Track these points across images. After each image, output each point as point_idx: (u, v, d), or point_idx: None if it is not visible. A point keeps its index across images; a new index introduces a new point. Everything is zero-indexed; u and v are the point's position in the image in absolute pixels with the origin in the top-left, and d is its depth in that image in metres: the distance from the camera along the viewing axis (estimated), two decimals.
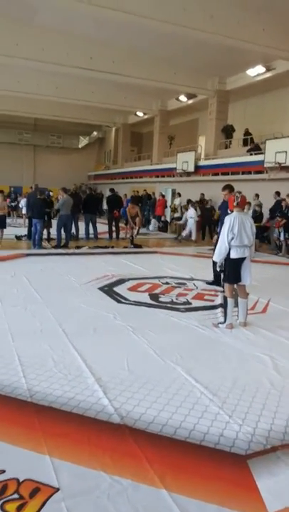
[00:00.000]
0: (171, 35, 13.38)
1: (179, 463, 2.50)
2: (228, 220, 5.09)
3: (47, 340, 4.34)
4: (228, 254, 5.09)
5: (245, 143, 18.40)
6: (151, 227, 18.23)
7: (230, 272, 5.18)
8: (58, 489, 2.22)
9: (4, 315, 5.15)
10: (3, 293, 6.20)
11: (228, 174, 17.51)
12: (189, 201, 16.48)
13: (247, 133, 18.78)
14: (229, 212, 5.43)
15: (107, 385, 3.41)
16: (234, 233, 5.02)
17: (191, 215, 14.62)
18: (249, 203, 13.10)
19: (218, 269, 5.38)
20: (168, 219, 18.99)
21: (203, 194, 17.32)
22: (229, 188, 6.31)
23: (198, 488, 2.29)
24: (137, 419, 2.93)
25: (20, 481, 2.26)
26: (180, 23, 11.81)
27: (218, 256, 5.18)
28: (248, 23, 12.45)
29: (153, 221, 18.49)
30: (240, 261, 5.13)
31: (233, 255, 5.08)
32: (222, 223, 6.15)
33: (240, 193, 5.43)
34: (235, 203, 5.21)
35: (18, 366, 3.69)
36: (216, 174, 18.17)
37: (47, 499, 2.15)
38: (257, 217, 12.69)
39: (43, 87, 19.55)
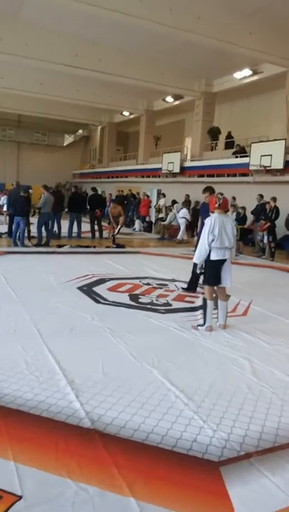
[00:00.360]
0: (159, 35, 13.35)
1: (150, 470, 2.42)
2: (208, 222, 5.04)
3: (20, 341, 4.21)
4: (208, 256, 5.04)
5: (227, 146, 18.50)
6: (136, 227, 18.14)
7: (210, 274, 5.12)
8: (20, 497, 2.12)
9: None
10: None
11: (214, 176, 17.55)
12: (174, 202, 16.46)
13: (229, 136, 18.88)
14: (210, 213, 5.37)
15: (80, 388, 3.31)
16: (215, 235, 4.96)
17: (184, 214, 14.58)
18: (233, 206, 13.19)
19: (198, 271, 5.31)
20: (152, 219, 18.94)
21: (188, 195, 17.31)
22: (210, 190, 6.28)
23: (168, 497, 2.21)
24: (109, 424, 2.84)
25: None
26: (167, 24, 11.77)
27: (198, 258, 5.12)
28: (235, 26, 12.48)
29: (137, 221, 18.41)
30: (221, 263, 5.08)
31: (214, 257, 5.03)
32: (202, 225, 6.11)
33: (222, 194, 5.38)
34: (216, 205, 5.16)
35: None
36: (202, 176, 18.19)
37: (8, 508, 2.04)
38: (240, 219, 12.78)
39: (27, 84, 19.32)
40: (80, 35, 14.48)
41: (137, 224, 18.20)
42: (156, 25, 11.87)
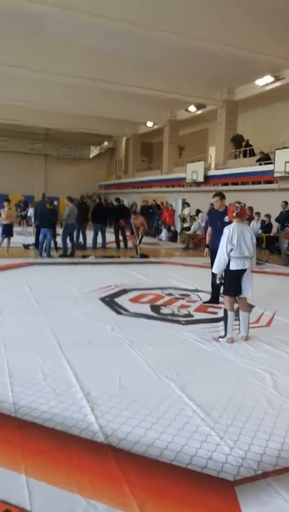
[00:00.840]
0: (179, 45, 13.39)
1: (162, 488, 2.36)
2: (226, 231, 4.96)
3: (40, 352, 4.24)
4: (228, 265, 4.95)
5: (246, 154, 18.34)
6: (162, 236, 18.15)
7: (230, 284, 5.03)
8: None
9: (0, 324, 5.07)
10: (3, 301, 6.16)
11: (238, 184, 17.39)
12: (198, 211, 16.40)
13: (247, 144, 18.70)
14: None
15: (96, 401, 3.29)
16: (233, 244, 4.88)
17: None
18: (258, 214, 13.01)
19: (217, 282, 5.22)
20: (178, 229, 18.90)
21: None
22: (220, 195, 6.25)
23: None
24: (122, 439, 2.80)
25: None
26: (186, 34, 11.82)
27: (217, 268, 5.04)
28: (255, 33, 12.40)
29: (164, 231, 18.41)
30: (241, 273, 4.99)
31: (233, 267, 4.94)
32: (215, 233, 6.05)
33: (239, 203, 5.27)
34: (234, 214, 5.07)
35: (7, 378, 3.60)
36: (226, 184, 18.04)
37: None
38: (265, 227, 12.57)
39: (53, 98, 19.73)
40: (101, 48, 14.69)
41: (164, 233, 18.21)
42: (175, 36, 11.92)
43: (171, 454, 2.66)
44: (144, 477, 2.43)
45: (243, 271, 4.97)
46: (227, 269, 4.96)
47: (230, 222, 5.13)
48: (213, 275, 5.58)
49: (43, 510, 2.13)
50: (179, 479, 2.45)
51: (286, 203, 12.48)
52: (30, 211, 18.04)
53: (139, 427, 2.96)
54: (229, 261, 4.90)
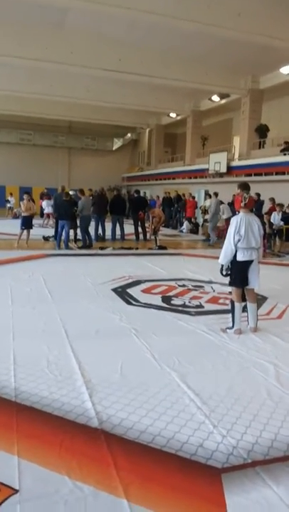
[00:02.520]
0: (200, 34, 13.19)
1: (149, 472, 2.40)
2: (234, 222, 4.91)
3: (46, 341, 4.34)
4: (235, 256, 4.91)
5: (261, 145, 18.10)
6: (183, 228, 18.08)
7: (236, 275, 4.99)
8: (17, 491, 2.19)
9: (11, 314, 5.21)
10: (17, 292, 6.30)
11: (262, 175, 17.11)
12: (221, 202, 16.22)
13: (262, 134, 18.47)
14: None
15: (95, 388, 3.35)
16: (241, 235, 4.83)
17: (229, 215, 14.29)
18: (280, 205, 12.77)
19: (223, 273, 5.18)
20: (200, 221, 18.78)
21: (234, 195, 16.96)
22: (242, 187, 6.08)
23: (161, 501, 2.19)
24: (116, 425, 2.85)
25: None
26: (207, 22, 11.64)
27: (224, 258, 4.99)
28: (278, 19, 12.12)
29: (185, 223, 18.32)
30: (248, 264, 4.93)
31: (240, 258, 4.89)
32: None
33: (247, 193, 5.21)
34: (242, 204, 5.01)
35: (12, 365, 3.70)
36: (249, 175, 17.78)
37: (3, 501, 2.11)
38: (286, 218, 12.34)
39: (75, 91, 19.86)
40: (122, 39, 14.68)
41: (185, 225, 18.12)
42: (196, 25, 11.78)
43: (163, 441, 2.70)
44: (132, 461, 2.48)
45: (249, 262, 4.92)
46: (234, 260, 4.92)
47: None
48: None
49: (30, 490, 2.21)
50: (167, 464, 2.49)
51: None
52: (44, 203, 18.31)
53: (134, 413, 3.01)
54: (236, 252, 4.87)
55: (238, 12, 11.61)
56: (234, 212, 6.54)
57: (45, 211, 18.30)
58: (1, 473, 2.32)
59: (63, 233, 10.99)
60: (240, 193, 6.06)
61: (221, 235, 15.26)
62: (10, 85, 19.27)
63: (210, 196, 18.46)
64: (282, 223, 12.26)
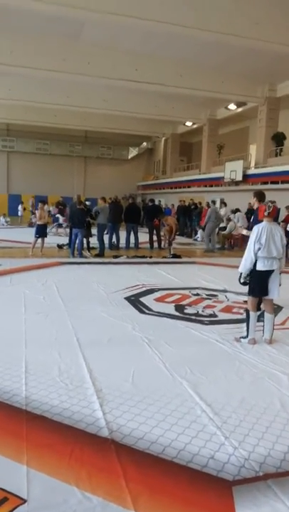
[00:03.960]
0: (216, 43, 13.21)
1: (158, 484, 2.37)
2: (255, 230, 4.87)
3: (58, 349, 4.34)
4: (255, 265, 4.86)
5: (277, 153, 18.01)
6: (198, 236, 18.01)
7: (255, 284, 4.93)
8: (25, 501, 2.18)
9: (24, 322, 5.24)
10: (30, 300, 6.34)
11: (278, 183, 16.98)
12: (237, 210, 16.19)
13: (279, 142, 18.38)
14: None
15: (106, 397, 3.34)
16: (261, 243, 4.78)
17: (244, 224, 14.26)
18: None
19: (241, 281, 5.13)
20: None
21: (250, 203, 16.85)
22: (258, 195, 6.03)
23: None
24: (127, 435, 2.83)
25: None
26: (224, 31, 11.68)
27: (244, 267, 4.95)
28: None
29: (200, 231, 18.25)
30: (268, 274, 4.87)
31: (260, 267, 4.83)
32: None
33: (273, 202, 5.16)
34: (266, 213, 4.95)
35: (23, 373, 3.71)
36: (266, 183, 17.66)
37: (11, 510, 2.11)
38: None
39: (91, 101, 20.11)
40: (138, 49, 14.83)
41: (199, 234, 18.05)
42: (214, 34, 11.83)
43: (173, 452, 2.67)
44: (142, 472, 2.46)
45: (270, 272, 4.85)
46: (253, 269, 4.87)
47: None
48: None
49: (39, 500, 2.20)
50: (177, 476, 2.45)
51: None
52: (52, 209, 18.62)
53: (145, 423, 2.98)
54: (256, 261, 4.81)
55: (256, 21, 11.62)
56: (252, 221, 6.46)
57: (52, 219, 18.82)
58: (10, 482, 2.31)
59: (77, 241, 11.06)
60: (257, 201, 6.05)
61: (236, 243, 15.23)
62: (27, 96, 19.65)
63: (225, 205, 18.44)
64: None
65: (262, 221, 4.99)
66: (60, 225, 17.98)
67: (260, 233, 4.80)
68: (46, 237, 11.48)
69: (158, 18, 11.28)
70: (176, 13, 11.29)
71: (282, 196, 15.11)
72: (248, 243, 4.96)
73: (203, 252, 13.74)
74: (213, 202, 15.02)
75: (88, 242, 12.24)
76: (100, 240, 11.73)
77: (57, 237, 15.84)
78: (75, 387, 3.50)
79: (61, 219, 18.28)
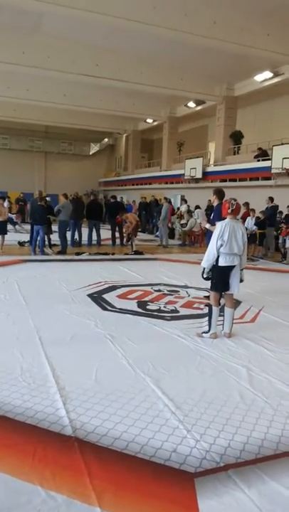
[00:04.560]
0: (176, 41, 13.37)
1: (122, 479, 2.40)
2: (219, 226, 4.98)
3: (20, 348, 4.29)
4: (217, 261, 4.98)
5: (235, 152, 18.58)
6: (158, 233, 18.12)
7: (218, 280, 5.05)
8: None
9: None
10: None
11: (236, 181, 17.40)
12: (197, 207, 16.45)
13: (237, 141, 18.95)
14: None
15: (69, 395, 3.33)
16: (224, 240, 4.89)
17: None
18: (253, 210, 13.00)
19: (204, 276, 5.24)
20: (176, 226, 18.89)
21: (210, 200, 17.16)
22: (217, 193, 6.19)
23: (135, 507, 2.19)
24: (90, 432, 2.84)
25: None
26: (182, 29, 11.82)
27: (206, 262, 5.07)
28: (252, 28, 12.40)
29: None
30: (229, 269, 5.01)
31: (222, 263, 4.96)
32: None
33: (235, 200, 5.28)
34: (229, 210, 5.07)
35: None
36: (224, 180, 18.05)
37: None
38: (260, 223, 12.57)
39: (51, 95, 19.78)
40: (99, 45, 14.74)
41: (160, 230, 18.16)
42: (172, 32, 11.93)
43: (137, 447, 2.71)
44: (106, 469, 2.48)
45: (231, 267, 4.98)
46: (215, 265, 4.99)
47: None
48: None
49: (2, 501, 2.17)
50: (141, 471, 2.49)
51: (271, 198, 12.50)
52: (5, 204, 18.02)
53: (108, 420, 3.01)
54: (218, 256, 4.93)
55: (213, 20, 11.81)
56: (212, 218, 6.61)
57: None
58: None
59: (38, 238, 10.89)
60: (216, 199, 6.20)
61: (196, 239, 15.49)
62: None
63: (186, 201, 18.67)
64: (255, 228, 12.47)
65: (224, 218, 5.12)
66: (14, 223, 17.55)
67: (222, 230, 4.92)
68: (6, 234, 11.22)
69: (119, 14, 11.26)
70: (136, 10, 11.31)
71: (240, 193, 15.50)
72: (211, 239, 5.08)
73: (163, 248, 13.93)
74: (166, 199, 15.26)
75: (50, 239, 12.07)
76: (62, 237, 11.60)
77: (18, 234, 15.51)
78: (37, 386, 3.48)
79: (14, 216, 17.87)
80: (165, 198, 15.43)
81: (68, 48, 14.82)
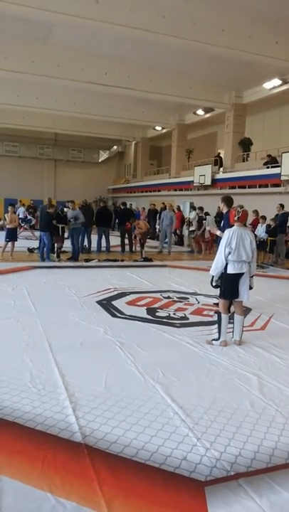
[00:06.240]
0: (185, 49, 13.43)
1: (132, 486, 2.39)
2: (226, 234, 4.98)
3: (30, 354, 4.30)
4: (225, 268, 4.97)
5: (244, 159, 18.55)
6: (167, 240, 18.11)
7: (226, 287, 5.04)
8: None
9: None
10: (0, 305, 6.24)
11: (245, 187, 17.36)
12: (206, 214, 16.43)
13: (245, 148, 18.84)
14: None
15: (78, 402, 3.34)
16: (232, 248, 4.89)
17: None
18: (264, 217, 12.95)
19: (213, 284, 5.23)
20: (185, 233, 18.89)
21: (219, 207, 17.14)
22: (226, 200, 6.18)
23: None
24: (100, 439, 2.84)
25: None
26: (192, 38, 11.87)
27: (214, 270, 5.06)
28: (260, 36, 12.43)
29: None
30: (238, 276, 4.99)
31: (230, 270, 4.95)
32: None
33: (241, 207, 5.28)
34: (236, 218, 5.07)
35: None
36: (233, 187, 18.02)
37: None
38: (271, 230, 12.51)
39: (61, 103, 19.96)
40: (108, 54, 14.85)
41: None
42: (181, 40, 11.99)
43: (147, 454, 2.69)
44: (116, 476, 2.47)
45: (240, 275, 4.96)
46: (224, 273, 4.97)
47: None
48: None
49: (11, 508, 2.18)
50: (151, 478, 2.48)
51: (282, 205, 12.46)
52: (19, 211, 18.20)
53: (118, 427, 3.00)
54: (227, 264, 4.92)
55: (222, 28, 11.88)
56: (222, 225, 6.60)
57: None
58: None
59: (44, 245, 10.97)
60: (224, 206, 6.20)
61: (206, 246, 15.44)
62: None
63: (194, 209, 18.66)
64: (265, 235, 12.42)
65: (233, 225, 5.12)
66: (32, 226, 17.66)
67: (230, 237, 4.92)
68: (16, 240, 11.30)
69: (128, 23, 11.35)
70: (145, 19, 11.40)
71: (249, 200, 15.47)
72: (219, 247, 5.07)
73: (168, 254, 13.92)
74: (165, 206, 15.42)
75: (61, 247, 12.10)
76: (74, 243, 11.64)
77: (28, 240, 15.62)
78: (47, 392, 3.48)
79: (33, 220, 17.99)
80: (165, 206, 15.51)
81: (78, 57, 14.97)
